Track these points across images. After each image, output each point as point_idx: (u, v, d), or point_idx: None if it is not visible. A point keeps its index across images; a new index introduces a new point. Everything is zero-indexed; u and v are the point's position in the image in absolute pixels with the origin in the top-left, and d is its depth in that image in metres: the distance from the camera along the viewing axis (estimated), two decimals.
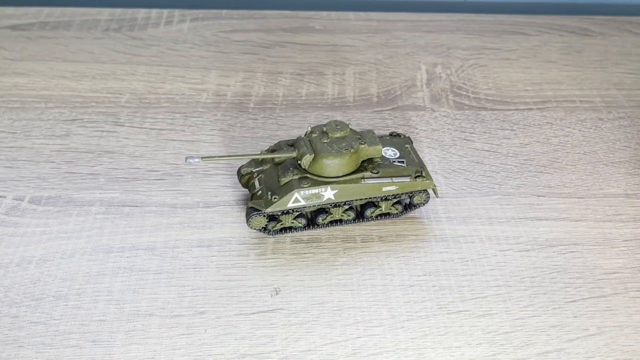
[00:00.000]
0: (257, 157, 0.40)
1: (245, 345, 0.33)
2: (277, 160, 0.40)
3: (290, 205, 0.38)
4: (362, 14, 0.65)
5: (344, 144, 0.38)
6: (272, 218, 0.39)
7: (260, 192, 0.39)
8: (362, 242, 0.40)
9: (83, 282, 0.36)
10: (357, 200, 0.39)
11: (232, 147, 0.47)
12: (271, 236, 0.39)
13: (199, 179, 0.44)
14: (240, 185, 0.42)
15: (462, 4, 0.70)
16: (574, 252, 0.39)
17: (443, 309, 0.36)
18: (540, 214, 0.42)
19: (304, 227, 0.40)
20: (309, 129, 0.39)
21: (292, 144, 0.40)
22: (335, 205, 0.39)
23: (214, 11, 0.65)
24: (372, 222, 0.41)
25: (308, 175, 0.38)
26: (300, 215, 0.39)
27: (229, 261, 0.38)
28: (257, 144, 0.47)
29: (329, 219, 0.40)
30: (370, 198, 0.39)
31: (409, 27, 0.63)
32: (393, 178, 0.39)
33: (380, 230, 0.40)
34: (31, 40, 0.59)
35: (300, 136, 0.39)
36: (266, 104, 0.52)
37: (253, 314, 0.35)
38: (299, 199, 0.38)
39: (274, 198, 0.38)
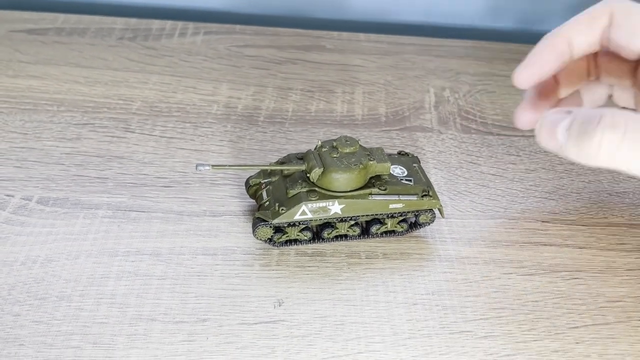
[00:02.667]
0: (266, 168, 0.40)
1: (246, 354, 0.33)
2: (285, 172, 0.40)
3: (297, 217, 0.38)
4: (372, 36, 0.66)
5: (353, 160, 0.38)
6: (278, 229, 0.39)
7: (267, 203, 0.39)
8: (366, 258, 0.40)
9: (87, 284, 0.36)
10: (363, 216, 0.39)
11: (241, 159, 0.47)
12: (276, 247, 0.40)
13: (207, 188, 0.44)
14: (247, 195, 0.42)
15: (472, 31, 0.71)
16: (577, 278, 0.39)
17: (445, 328, 0.36)
18: (545, 239, 0.42)
19: (309, 240, 0.40)
20: (319, 143, 0.40)
21: (301, 157, 0.40)
22: (342, 220, 0.39)
23: (227, 26, 0.66)
24: (377, 239, 0.41)
25: (316, 189, 0.38)
26: (306, 228, 0.39)
27: (233, 270, 0.38)
28: (265, 157, 0.48)
29: (334, 233, 0.40)
30: (376, 214, 0.39)
31: (419, 50, 0.64)
32: (400, 196, 0.39)
33: (385, 247, 0.41)
34: (46, 45, 0.60)
35: (310, 150, 0.40)
36: (276, 118, 0.52)
37: (255, 324, 0.35)
38: (306, 211, 0.38)
39: (282, 209, 0.38)
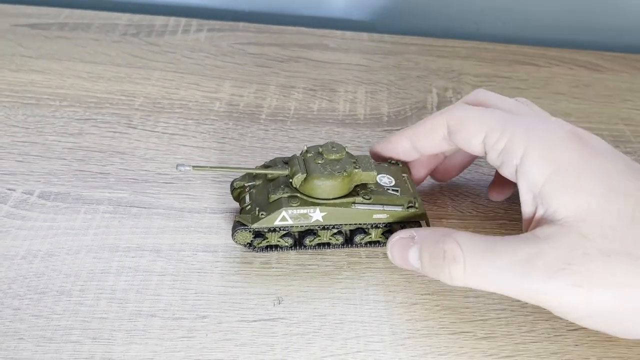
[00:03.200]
0: (250, 171, 0.39)
1: (245, 351, 0.33)
2: (269, 176, 0.39)
3: (277, 223, 0.37)
4: (375, 35, 0.66)
5: (337, 167, 0.37)
6: (258, 234, 0.38)
7: (249, 207, 0.39)
8: (366, 257, 0.40)
9: (87, 279, 0.37)
10: (346, 224, 0.39)
11: (242, 156, 0.47)
12: (256, 252, 0.39)
13: (208, 185, 0.44)
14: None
15: (475, 32, 0.71)
16: None
17: (445, 329, 0.36)
18: None
19: (291, 247, 0.39)
20: (305, 148, 0.39)
21: (287, 162, 0.39)
22: (324, 228, 0.39)
23: (230, 23, 0.66)
24: (364, 248, 0.40)
25: (298, 195, 0.37)
26: (287, 235, 0.39)
27: (233, 267, 0.38)
28: (267, 154, 0.48)
29: (316, 241, 0.39)
30: (360, 224, 0.39)
31: (421, 50, 0.64)
32: (384, 206, 0.38)
33: (385, 247, 0.40)
34: (49, 40, 0.60)
35: (295, 154, 0.39)
36: (278, 116, 0.52)
37: (254, 321, 0.35)
38: (286, 217, 0.37)
39: (261, 214, 0.37)
